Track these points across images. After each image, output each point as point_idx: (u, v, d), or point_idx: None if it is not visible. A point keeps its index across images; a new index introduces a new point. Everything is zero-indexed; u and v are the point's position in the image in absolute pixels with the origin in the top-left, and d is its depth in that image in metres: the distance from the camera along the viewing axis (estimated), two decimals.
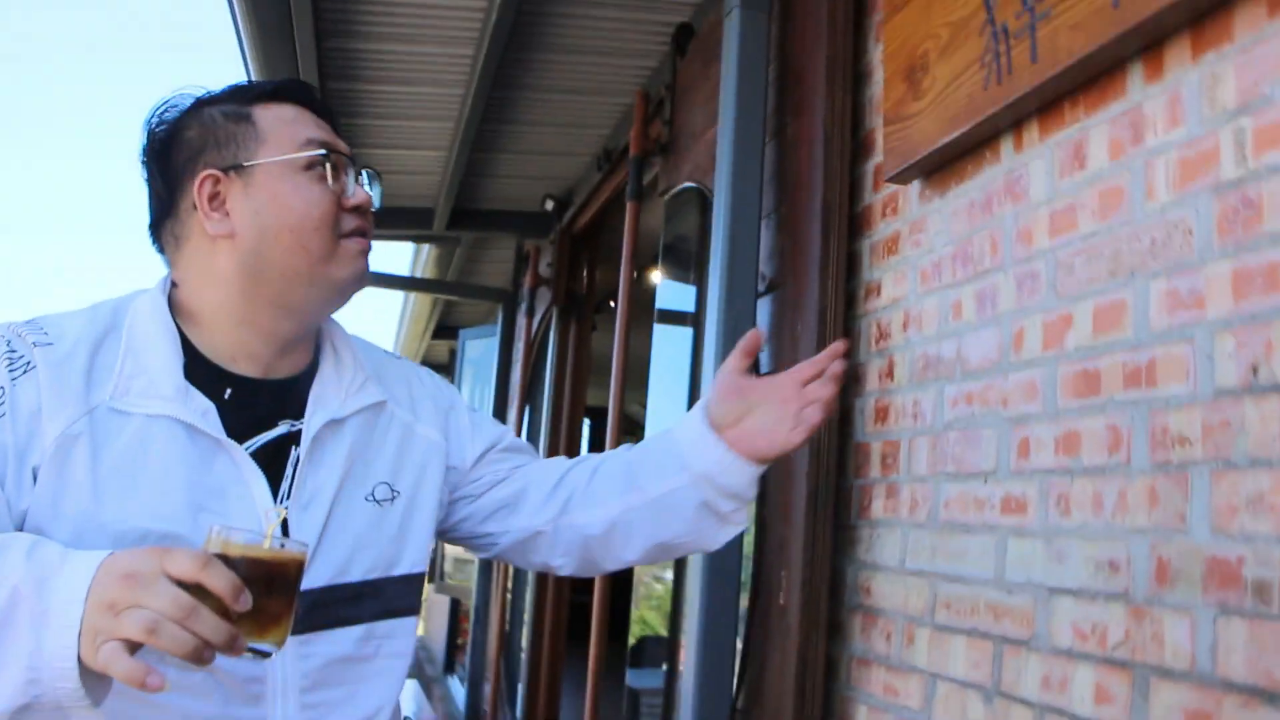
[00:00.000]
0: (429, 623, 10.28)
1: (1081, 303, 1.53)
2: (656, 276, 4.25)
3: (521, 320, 5.69)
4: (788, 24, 2.45)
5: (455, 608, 8.49)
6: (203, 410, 1.18)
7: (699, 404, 1.39)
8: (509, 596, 5.51)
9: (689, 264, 3.08)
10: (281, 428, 1.24)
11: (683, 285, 3.23)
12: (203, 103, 1.27)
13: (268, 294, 1.23)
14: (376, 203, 1.31)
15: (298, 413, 1.26)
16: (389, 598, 1.30)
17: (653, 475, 1.39)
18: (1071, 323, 1.55)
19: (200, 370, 1.22)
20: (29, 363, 1.13)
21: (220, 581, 0.91)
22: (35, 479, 1.09)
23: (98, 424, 1.13)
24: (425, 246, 6.46)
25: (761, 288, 2.40)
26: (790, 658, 2.04)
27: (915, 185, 2.01)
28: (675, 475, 1.37)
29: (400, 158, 4.61)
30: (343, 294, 1.28)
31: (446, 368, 10.08)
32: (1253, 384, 1.24)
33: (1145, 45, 1.44)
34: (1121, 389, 1.44)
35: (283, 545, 1.00)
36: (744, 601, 2.30)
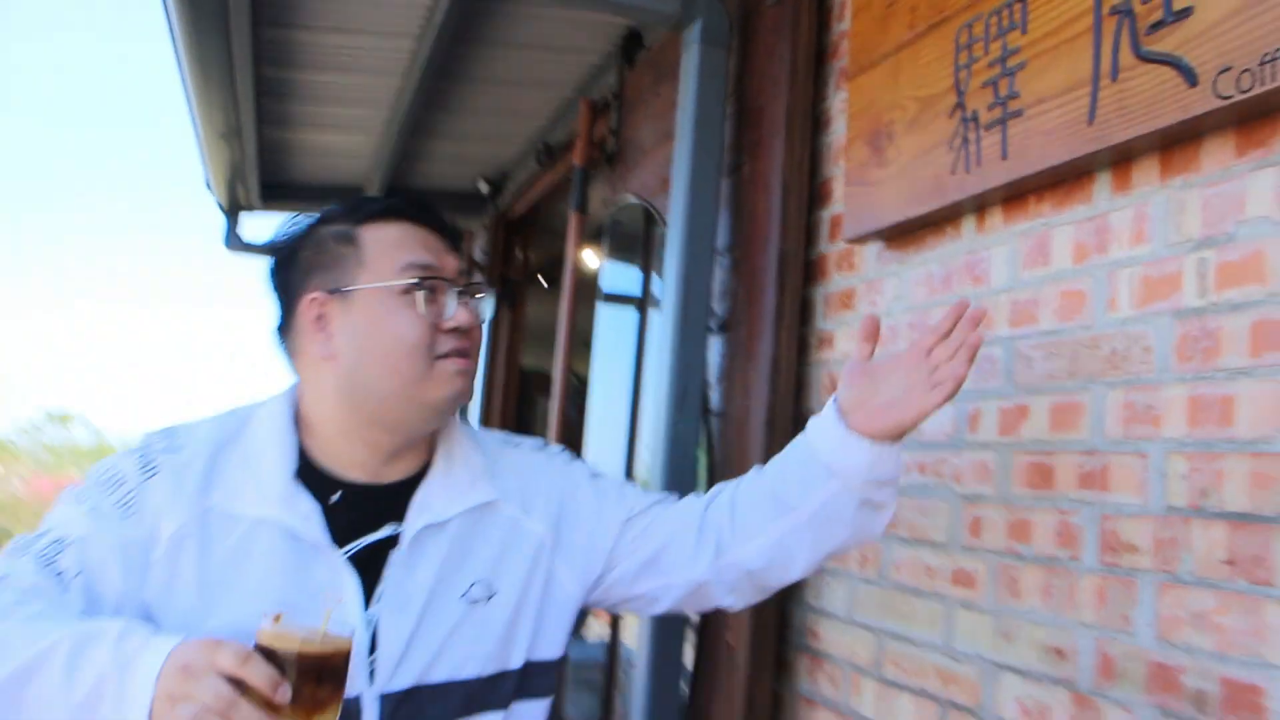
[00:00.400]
0: None
1: (1039, 397, 1.60)
2: (591, 255, 4.32)
3: None
4: (746, 61, 2.45)
5: None
6: (305, 514, 1.26)
7: (827, 408, 1.40)
8: None
9: (634, 249, 3.19)
10: (384, 531, 1.29)
11: (628, 266, 3.46)
12: (319, 222, 1.34)
13: (366, 412, 1.29)
14: (487, 316, 1.36)
15: (403, 516, 1.32)
16: (489, 694, 1.34)
17: (800, 491, 1.39)
18: (1028, 414, 1.62)
19: (312, 475, 1.30)
20: (156, 468, 1.25)
21: (259, 677, 0.99)
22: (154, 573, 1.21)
23: (208, 525, 1.23)
24: None
25: (713, 325, 2.43)
26: (738, 694, 2.12)
27: (874, 246, 2.05)
28: (824, 485, 1.37)
29: (332, 142, 4.52)
30: (440, 413, 1.31)
31: None
32: (1202, 507, 1.32)
33: (1115, 160, 1.49)
34: (1075, 488, 1.52)
35: (324, 637, 1.05)
36: (692, 639, 2.36)
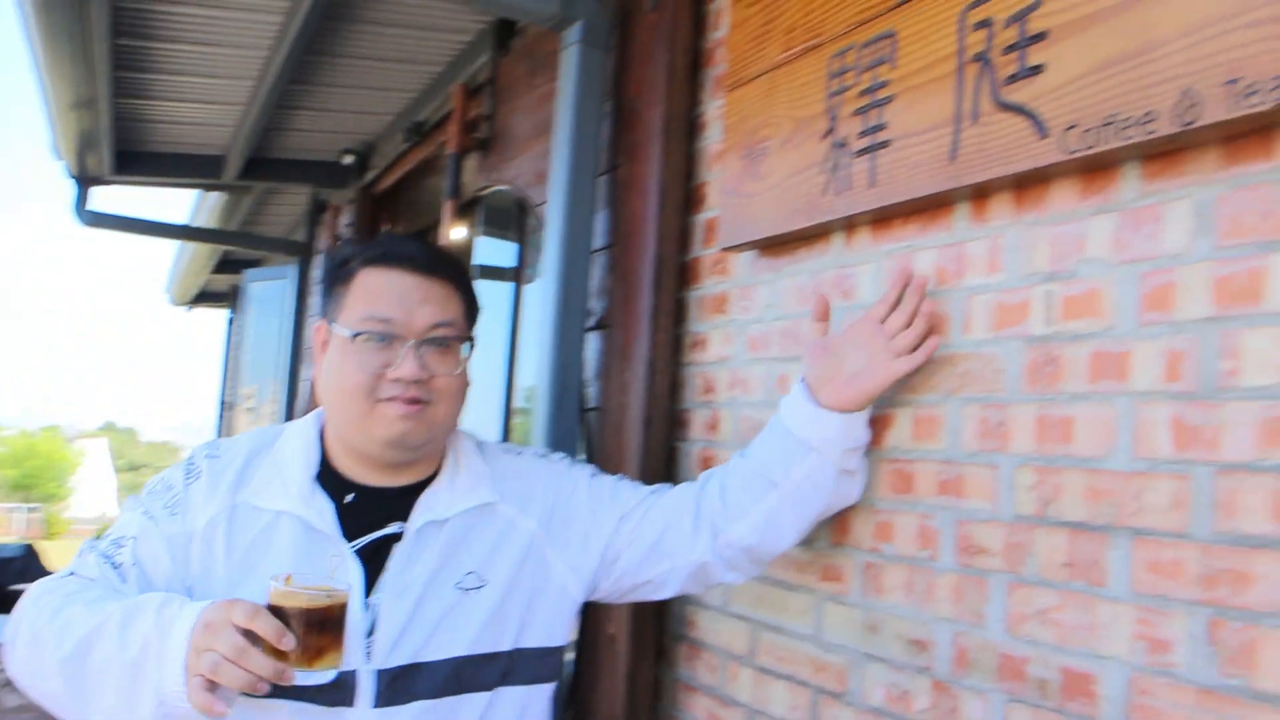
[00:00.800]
0: None
1: (901, 408, 1.73)
2: (462, 230, 4.33)
3: (317, 281, 5.57)
4: (625, 64, 2.51)
5: None
6: (321, 510, 1.45)
7: (796, 388, 1.60)
8: None
9: (508, 225, 3.33)
10: (389, 529, 1.47)
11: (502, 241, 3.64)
12: (346, 255, 1.51)
13: (341, 436, 1.50)
14: (455, 369, 1.49)
15: (409, 516, 1.49)
16: (476, 674, 1.49)
17: (782, 467, 1.58)
18: (891, 423, 1.75)
19: (331, 479, 1.50)
20: (199, 473, 1.48)
21: (266, 629, 1.18)
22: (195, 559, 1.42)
23: (237, 516, 1.44)
24: (210, 194, 6.14)
25: (590, 323, 2.50)
26: (619, 681, 2.22)
27: (748, 254, 2.15)
28: (804, 459, 1.57)
29: (194, 112, 4.38)
30: (389, 448, 1.46)
31: (229, 299, 9.98)
32: (1045, 516, 1.47)
33: (974, 195, 1.62)
34: (934, 494, 1.65)
35: (328, 593, 1.24)
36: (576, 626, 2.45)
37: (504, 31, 3.28)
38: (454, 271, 1.53)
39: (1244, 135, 1.27)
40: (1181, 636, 1.29)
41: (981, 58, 1.54)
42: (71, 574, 1.43)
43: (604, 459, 2.40)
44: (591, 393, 2.50)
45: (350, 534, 1.46)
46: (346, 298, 1.47)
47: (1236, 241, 1.27)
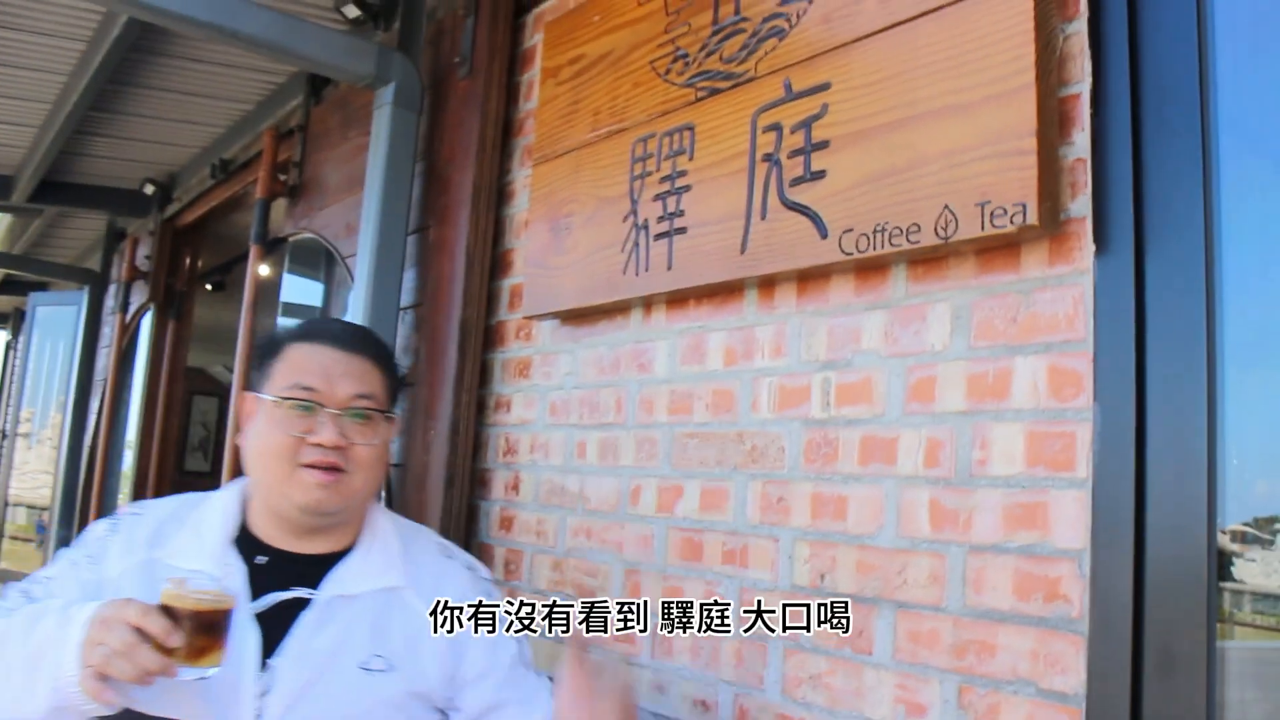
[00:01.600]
0: None
1: (691, 480, 1.82)
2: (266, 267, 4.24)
3: (111, 312, 5.35)
4: (436, 127, 2.54)
5: None
6: (230, 570, 1.47)
7: None
8: None
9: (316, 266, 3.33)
10: (292, 592, 1.48)
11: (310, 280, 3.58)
12: (275, 336, 1.57)
13: (260, 499, 1.53)
14: (377, 440, 1.53)
15: (318, 584, 1.50)
16: None
17: None
18: (682, 493, 1.84)
19: (247, 542, 1.52)
20: (118, 527, 1.55)
21: (155, 627, 1.25)
22: None
23: (151, 571, 1.46)
24: None
25: None
26: None
27: (551, 322, 2.21)
28: None
29: None
30: (306, 513, 1.49)
31: (9, 322, 9.33)
32: (820, 587, 1.59)
33: (762, 283, 1.73)
34: (720, 562, 1.75)
35: (214, 597, 1.31)
36: None
37: (317, 79, 3.25)
38: (377, 350, 1.58)
39: (994, 249, 1.43)
40: (935, 700, 1.41)
41: (771, 158, 1.66)
42: None
43: (405, 515, 2.39)
44: (394, 449, 2.50)
45: (258, 595, 1.47)
46: (273, 370, 1.52)
47: (987, 343, 1.42)
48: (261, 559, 1.52)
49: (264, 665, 1.43)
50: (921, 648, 1.44)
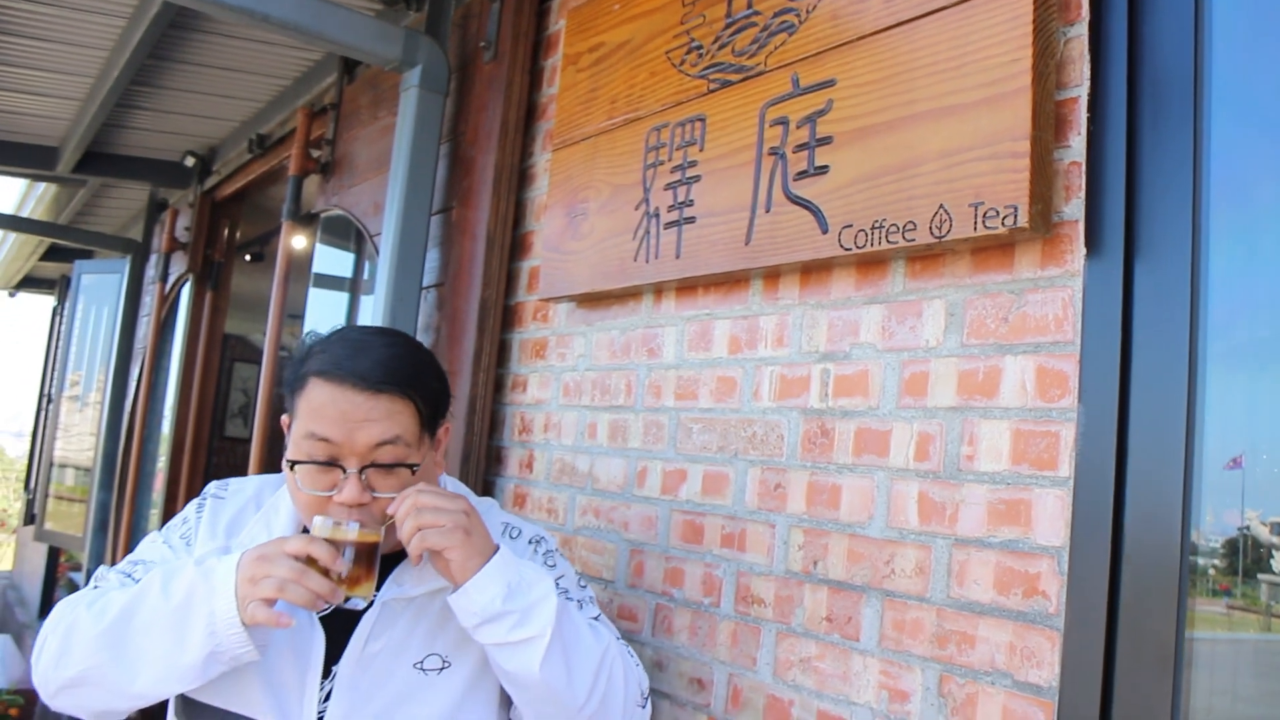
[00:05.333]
0: (25, 565, 9.72)
1: (695, 464, 1.87)
2: (301, 239, 4.32)
3: (151, 282, 5.48)
4: (462, 110, 2.59)
5: (53, 554, 8.09)
6: None
7: None
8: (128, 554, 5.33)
9: (348, 237, 3.44)
10: (353, 603, 1.45)
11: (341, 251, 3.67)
12: (303, 353, 1.51)
13: None
14: (393, 489, 1.45)
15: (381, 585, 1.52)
16: None
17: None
18: (685, 477, 1.88)
19: None
20: (204, 508, 1.61)
21: (322, 552, 1.34)
22: None
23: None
24: (41, 184, 5.93)
25: None
26: None
27: (567, 305, 2.26)
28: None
29: (26, 103, 4.23)
30: None
31: (55, 286, 9.63)
32: (812, 574, 1.62)
33: (766, 275, 1.77)
34: (719, 546, 1.79)
35: (364, 530, 1.39)
36: None
37: (350, 58, 3.31)
38: (408, 379, 1.46)
39: (988, 249, 1.45)
40: (917, 688, 1.45)
41: (777, 152, 1.69)
42: (95, 588, 1.52)
43: None
44: None
45: None
46: (297, 403, 1.47)
47: (979, 341, 1.45)
48: None
49: (327, 671, 1.47)
50: (905, 636, 1.48)
